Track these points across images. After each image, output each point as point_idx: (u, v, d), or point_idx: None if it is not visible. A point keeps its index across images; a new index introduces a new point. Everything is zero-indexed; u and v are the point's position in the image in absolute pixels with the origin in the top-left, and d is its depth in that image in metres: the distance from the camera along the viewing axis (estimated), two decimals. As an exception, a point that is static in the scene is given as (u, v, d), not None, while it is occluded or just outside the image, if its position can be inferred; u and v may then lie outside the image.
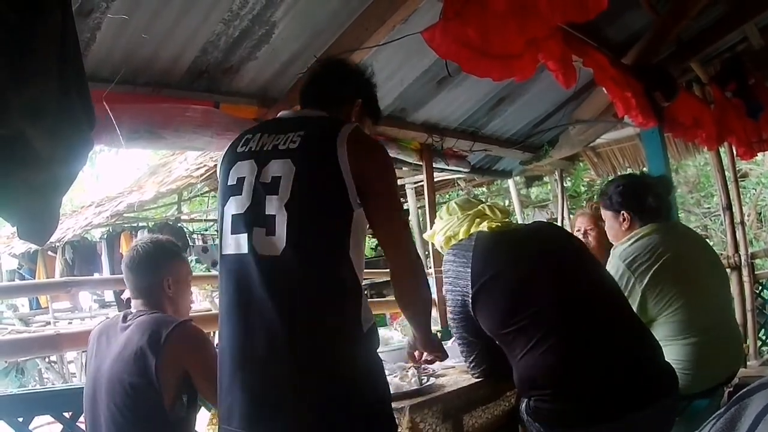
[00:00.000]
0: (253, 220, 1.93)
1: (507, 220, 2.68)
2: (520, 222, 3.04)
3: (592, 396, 2.20)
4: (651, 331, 2.53)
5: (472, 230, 2.58)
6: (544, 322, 2.29)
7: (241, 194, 1.97)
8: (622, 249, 3.01)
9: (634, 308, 2.78)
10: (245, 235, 1.93)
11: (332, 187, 1.91)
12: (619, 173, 7.93)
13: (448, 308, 2.55)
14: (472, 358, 2.60)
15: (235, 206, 1.98)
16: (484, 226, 2.56)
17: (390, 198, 2.06)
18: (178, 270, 2.60)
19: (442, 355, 2.49)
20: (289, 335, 1.83)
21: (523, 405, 2.36)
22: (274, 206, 1.90)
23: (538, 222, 3.35)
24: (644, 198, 3.09)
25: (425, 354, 2.58)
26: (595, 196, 13.56)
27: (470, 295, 2.38)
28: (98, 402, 2.38)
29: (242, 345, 1.91)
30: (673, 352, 2.77)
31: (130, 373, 2.30)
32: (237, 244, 1.95)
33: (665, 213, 3.14)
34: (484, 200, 2.80)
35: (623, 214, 3.12)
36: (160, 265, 2.55)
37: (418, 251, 2.28)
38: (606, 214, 3.25)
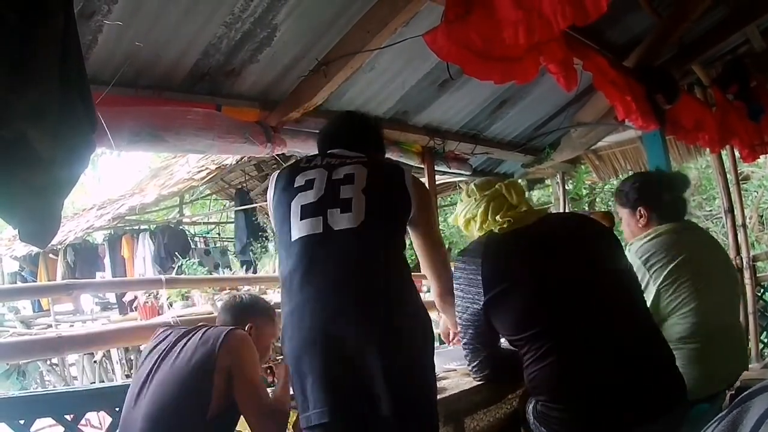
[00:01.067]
0: (327, 204, 2.19)
1: (522, 205, 2.60)
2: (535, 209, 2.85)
3: (599, 407, 2.17)
4: (665, 339, 2.48)
5: (489, 215, 2.54)
6: (557, 330, 2.25)
7: (312, 189, 2.24)
8: (638, 245, 2.96)
9: (648, 304, 2.71)
10: (320, 217, 2.18)
11: (399, 191, 2.30)
12: (620, 176, 7.94)
13: (456, 313, 2.53)
14: (476, 363, 2.58)
15: (305, 198, 2.23)
16: (496, 223, 2.50)
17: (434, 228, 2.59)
18: (262, 323, 2.70)
19: None
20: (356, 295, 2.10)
21: (530, 407, 2.35)
22: (349, 192, 2.21)
23: (552, 215, 3.22)
24: (661, 195, 3.04)
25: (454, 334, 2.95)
26: (596, 199, 13.56)
27: (482, 303, 2.36)
28: (141, 399, 2.37)
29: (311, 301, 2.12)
30: (679, 357, 2.75)
31: (190, 376, 2.33)
32: (310, 226, 2.18)
33: (682, 210, 3.08)
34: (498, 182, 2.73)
35: (640, 210, 3.04)
36: (251, 312, 2.70)
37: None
38: (622, 212, 3.18)
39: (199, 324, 2.64)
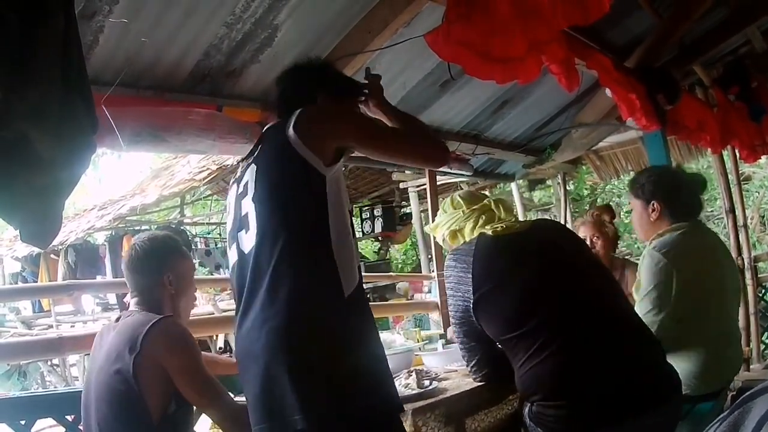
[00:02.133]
0: (236, 227, 2.08)
1: (511, 218, 2.67)
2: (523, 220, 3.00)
3: (595, 401, 2.19)
4: (654, 336, 2.50)
5: (477, 228, 2.57)
6: (547, 328, 2.28)
7: (230, 213, 2.16)
8: (657, 241, 2.89)
9: (668, 302, 2.73)
10: (234, 243, 2.07)
11: (287, 162, 2.01)
12: (621, 176, 7.95)
13: (449, 312, 2.55)
14: (473, 362, 2.60)
15: (228, 227, 2.17)
16: (487, 229, 2.55)
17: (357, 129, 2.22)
18: (178, 265, 2.57)
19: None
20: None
21: (526, 409, 2.36)
22: (246, 205, 2.04)
23: (541, 221, 3.29)
24: (678, 192, 2.99)
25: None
26: (597, 199, 13.57)
27: (471, 301, 2.38)
28: (90, 407, 2.35)
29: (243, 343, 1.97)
30: (686, 359, 2.76)
31: (113, 377, 2.26)
32: (232, 254, 2.09)
33: (696, 211, 3.03)
34: (487, 194, 2.79)
35: (654, 204, 2.98)
36: (160, 261, 2.52)
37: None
38: (634, 203, 3.12)
39: (120, 314, 2.55)
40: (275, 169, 2.04)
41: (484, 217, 2.62)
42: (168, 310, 2.48)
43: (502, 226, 2.55)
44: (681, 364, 2.60)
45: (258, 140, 2.25)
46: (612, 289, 2.54)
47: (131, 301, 2.53)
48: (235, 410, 2.20)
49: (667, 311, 2.72)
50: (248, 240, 1.99)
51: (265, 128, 2.33)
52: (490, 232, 2.53)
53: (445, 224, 2.71)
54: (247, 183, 2.06)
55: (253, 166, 2.07)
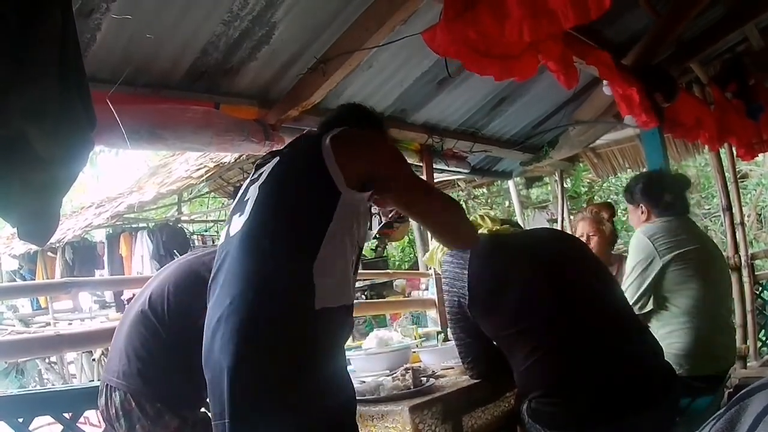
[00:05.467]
0: (234, 210, 2.04)
1: (504, 224, 2.69)
2: (520, 223, 3.19)
3: (593, 398, 2.20)
4: (652, 334, 2.55)
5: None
6: (544, 326, 2.29)
7: (238, 196, 2.10)
8: (645, 227, 3.25)
9: (649, 279, 3.08)
10: (228, 225, 2.03)
11: (312, 170, 1.95)
12: (619, 174, 7.95)
13: (446, 309, 2.56)
14: (469, 359, 2.60)
15: (231, 207, 2.12)
16: (483, 230, 2.57)
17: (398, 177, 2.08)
18: None
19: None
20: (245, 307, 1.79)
21: (524, 406, 2.36)
22: (251, 191, 2.00)
23: (535, 228, 3.38)
24: (661, 194, 3.33)
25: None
26: (595, 197, 13.59)
27: (467, 298, 2.39)
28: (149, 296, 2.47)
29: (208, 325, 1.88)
30: (676, 335, 2.97)
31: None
32: (222, 236, 2.06)
33: (681, 208, 3.35)
34: (480, 204, 2.82)
35: (642, 207, 3.39)
36: None
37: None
38: (630, 207, 3.55)
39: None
40: (295, 168, 2.03)
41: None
42: None
43: (497, 227, 2.60)
44: (671, 342, 2.89)
45: (293, 140, 2.29)
46: (609, 287, 2.56)
47: None
48: None
49: (649, 283, 3.07)
50: (237, 224, 1.95)
51: (304, 133, 2.33)
52: (486, 232, 2.55)
53: (440, 248, 2.73)
54: (263, 171, 2.05)
55: (277, 158, 2.07)
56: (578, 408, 2.22)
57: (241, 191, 2.10)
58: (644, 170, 7.24)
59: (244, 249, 1.88)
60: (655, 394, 2.24)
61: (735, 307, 5.99)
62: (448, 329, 2.70)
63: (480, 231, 2.58)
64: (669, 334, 2.98)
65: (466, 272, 2.41)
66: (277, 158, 2.07)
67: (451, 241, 2.30)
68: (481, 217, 2.70)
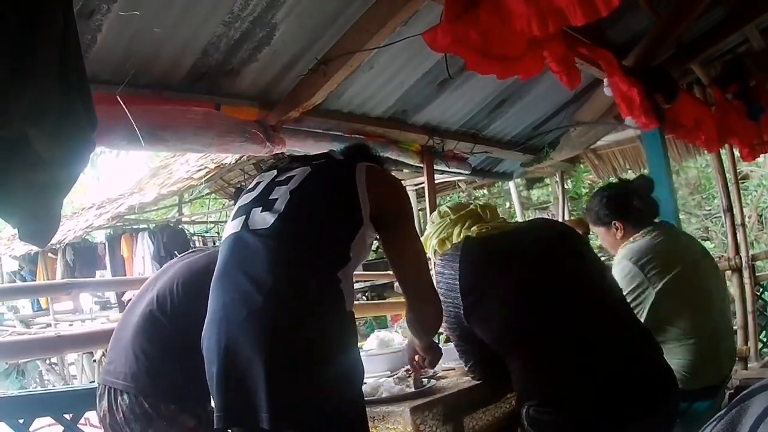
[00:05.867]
0: (255, 203, 2.04)
1: (499, 220, 2.66)
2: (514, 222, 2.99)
3: (592, 407, 2.17)
4: (653, 336, 2.49)
5: (464, 231, 2.55)
6: (540, 334, 2.25)
7: (254, 191, 2.10)
8: (628, 248, 3.01)
9: (645, 310, 2.84)
10: (243, 216, 2.02)
11: (343, 191, 2.03)
12: (620, 175, 7.95)
13: (445, 319, 2.47)
14: (470, 364, 2.59)
15: (244, 200, 2.10)
16: (473, 231, 2.53)
17: (403, 224, 2.17)
18: None
19: (437, 361, 2.49)
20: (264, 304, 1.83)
21: (523, 412, 2.35)
22: (279, 191, 2.02)
23: (537, 220, 3.26)
24: (631, 204, 3.10)
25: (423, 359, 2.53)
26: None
27: (462, 308, 2.36)
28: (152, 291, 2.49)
29: (219, 310, 1.92)
30: (677, 353, 2.83)
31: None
32: (233, 226, 2.04)
33: (655, 213, 3.15)
34: (475, 202, 2.78)
35: (615, 224, 3.13)
36: None
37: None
38: (597, 230, 3.27)
39: None
40: (330, 185, 2.08)
41: (470, 221, 2.60)
42: None
43: (487, 227, 2.52)
44: (672, 360, 2.64)
45: (320, 154, 2.30)
46: (609, 291, 2.50)
47: None
48: None
49: (644, 316, 2.84)
50: (261, 220, 1.96)
51: (327, 152, 2.35)
52: (474, 235, 2.51)
53: (434, 234, 2.69)
54: (293, 177, 2.06)
55: (308, 169, 2.09)
56: (577, 418, 2.19)
57: (261, 187, 2.10)
58: (628, 173, 7.24)
59: (277, 248, 1.91)
60: (655, 402, 2.22)
61: (736, 308, 5.99)
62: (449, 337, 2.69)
63: (468, 235, 2.53)
64: (668, 351, 2.72)
65: (457, 283, 2.39)
66: (309, 168, 2.09)
67: (420, 302, 2.22)
68: (481, 207, 2.66)
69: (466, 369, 2.62)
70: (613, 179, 9.00)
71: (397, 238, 2.14)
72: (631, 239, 3.06)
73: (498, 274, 2.40)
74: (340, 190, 2.06)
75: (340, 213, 2.02)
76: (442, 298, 2.40)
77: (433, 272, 2.68)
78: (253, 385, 1.77)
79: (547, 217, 10.86)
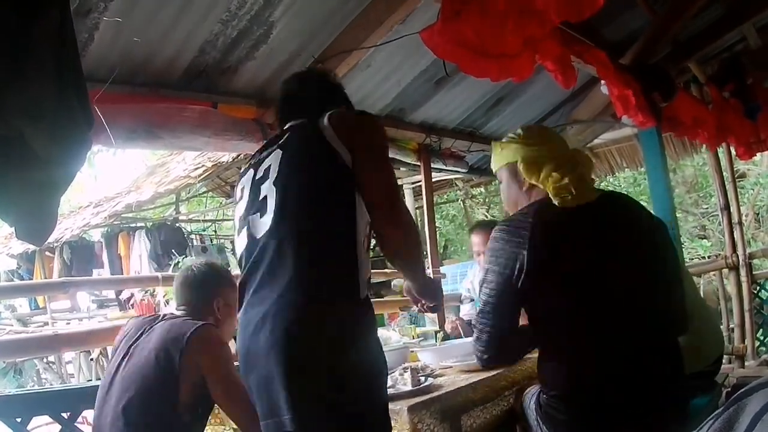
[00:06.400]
0: (249, 210, 2.01)
1: (588, 180, 2.41)
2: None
3: (610, 409, 2.12)
4: (681, 351, 2.35)
5: (553, 180, 2.31)
6: (588, 328, 2.19)
7: (243, 199, 2.07)
8: None
9: None
10: (245, 228, 2.00)
11: (320, 154, 1.96)
12: (617, 173, 7.96)
13: (484, 289, 2.34)
14: (484, 340, 2.38)
15: (237, 212, 2.08)
16: (554, 194, 2.30)
17: (373, 152, 2.04)
18: (229, 295, 2.64)
19: (439, 303, 2.35)
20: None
21: (533, 400, 2.32)
22: (265, 189, 1.97)
23: (612, 195, 2.66)
24: None
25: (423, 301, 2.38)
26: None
27: (521, 280, 2.20)
28: (111, 397, 2.38)
29: (241, 321, 1.93)
30: None
31: (155, 367, 2.33)
32: (242, 240, 2.01)
33: None
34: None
35: None
36: (214, 287, 2.66)
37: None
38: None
39: (163, 314, 2.64)
40: (305, 154, 2.01)
41: (569, 165, 2.35)
42: None
43: (571, 194, 2.28)
44: None
45: (281, 133, 2.19)
46: (651, 289, 2.32)
47: (178, 308, 2.66)
48: (253, 414, 2.20)
49: None
50: (262, 225, 1.93)
51: (287, 126, 2.23)
52: (556, 202, 2.29)
53: (524, 153, 2.44)
54: (269, 167, 2.00)
55: (278, 152, 2.02)
56: (593, 417, 2.16)
57: (246, 193, 2.06)
58: (625, 171, 7.20)
59: (279, 251, 1.87)
60: (671, 412, 2.20)
61: (733, 306, 6.01)
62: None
63: (545, 202, 2.33)
64: None
65: (524, 252, 2.19)
66: (279, 151, 2.03)
67: (391, 229, 2.00)
68: (579, 154, 2.49)
69: (477, 345, 2.42)
70: (611, 178, 9.00)
71: (365, 164, 1.97)
72: None
73: (567, 254, 2.23)
74: (317, 157, 1.98)
75: (328, 180, 1.95)
76: (495, 268, 2.27)
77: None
78: (274, 388, 1.78)
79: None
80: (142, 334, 2.50)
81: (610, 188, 13.71)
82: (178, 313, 2.62)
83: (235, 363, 2.14)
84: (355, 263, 1.88)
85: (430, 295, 2.30)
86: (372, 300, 1.95)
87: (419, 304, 2.37)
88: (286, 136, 2.09)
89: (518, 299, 2.26)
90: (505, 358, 2.52)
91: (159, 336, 2.42)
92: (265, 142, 2.33)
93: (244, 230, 2.00)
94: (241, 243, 2.03)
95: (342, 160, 1.93)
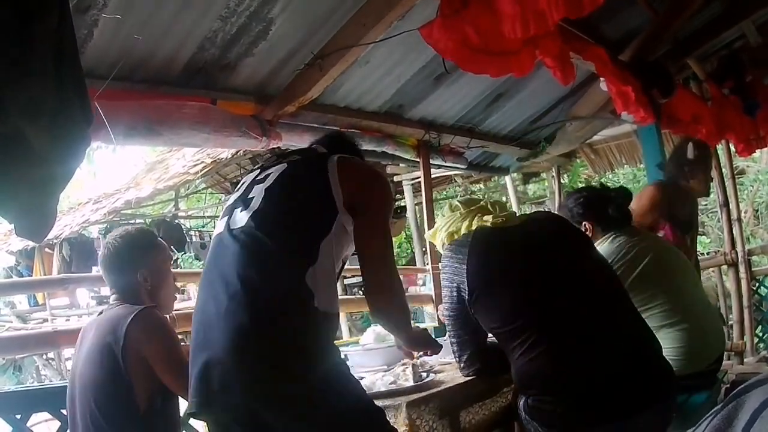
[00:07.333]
0: (235, 204, 2.08)
1: (509, 213, 2.67)
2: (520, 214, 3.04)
3: (592, 398, 2.19)
4: (651, 330, 2.52)
5: (474, 223, 2.57)
6: (543, 323, 2.28)
7: (238, 191, 2.16)
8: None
9: None
10: (226, 217, 2.06)
11: (315, 185, 2.07)
12: (616, 170, 7.96)
13: (444, 305, 2.56)
14: (465, 357, 2.58)
15: (229, 200, 2.17)
16: (486, 221, 2.54)
17: (374, 212, 2.14)
18: (152, 261, 2.52)
19: (435, 348, 2.46)
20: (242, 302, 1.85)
21: (521, 402, 2.36)
22: (257, 190, 2.06)
23: (538, 213, 3.29)
24: (605, 208, 3.19)
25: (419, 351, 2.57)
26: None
27: (467, 292, 2.38)
28: (75, 403, 2.35)
29: (204, 311, 1.94)
30: (665, 340, 2.84)
31: (101, 368, 2.27)
32: (218, 227, 2.10)
33: (626, 222, 3.23)
34: (483, 198, 2.78)
35: (585, 225, 3.21)
36: (133, 259, 2.48)
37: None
38: None
39: (101, 310, 2.56)
40: (300, 177, 2.12)
41: (479, 215, 2.61)
42: (148, 302, 2.46)
43: (501, 219, 2.55)
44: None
45: (303, 150, 2.36)
46: (610, 284, 2.54)
47: (112, 296, 2.52)
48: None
49: None
50: (240, 219, 2.00)
51: (311, 145, 2.40)
52: (488, 224, 2.53)
53: (443, 227, 2.69)
54: (269, 174, 2.10)
55: (284, 165, 2.13)
56: (575, 408, 2.21)
57: (243, 187, 2.15)
58: (624, 168, 7.19)
59: (247, 247, 1.93)
60: (655, 394, 2.24)
61: (732, 303, 6.01)
62: (439, 308, 2.71)
63: (480, 224, 2.55)
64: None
65: (464, 267, 2.41)
66: (285, 165, 2.13)
67: (376, 293, 2.15)
68: (491, 204, 2.68)
69: (461, 363, 2.61)
70: (610, 174, 9.01)
71: (364, 223, 2.08)
72: (598, 241, 3.14)
73: (507, 261, 2.45)
74: (312, 184, 2.08)
75: (312, 207, 2.04)
76: (446, 284, 2.47)
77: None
78: (227, 380, 1.80)
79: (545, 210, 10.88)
80: (84, 338, 2.45)
81: (609, 184, 13.72)
82: (112, 301, 2.50)
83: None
84: (308, 284, 1.89)
85: (421, 346, 2.46)
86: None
87: (414, 356, 2.59)
88: (297, 157, 2.23)
89: (471, 307, 2.41)
90: (491, 369, 2.58)
91: (98, 333, 2.35)
92: (290, 150, 2.47)
93: (225, 219, 2.07)
94: (217, 229, 2.11)
95: (332, 197, 2.03)
